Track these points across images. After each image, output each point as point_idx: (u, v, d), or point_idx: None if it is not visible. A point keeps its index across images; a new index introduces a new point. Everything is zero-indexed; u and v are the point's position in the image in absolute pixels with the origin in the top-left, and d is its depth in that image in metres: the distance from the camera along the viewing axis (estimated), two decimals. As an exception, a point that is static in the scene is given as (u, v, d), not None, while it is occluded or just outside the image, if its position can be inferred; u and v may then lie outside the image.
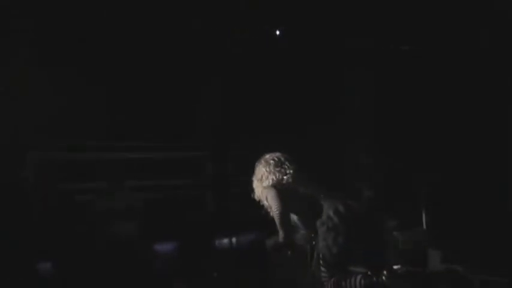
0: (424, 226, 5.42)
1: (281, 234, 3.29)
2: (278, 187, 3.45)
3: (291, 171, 3.51)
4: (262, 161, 3.63)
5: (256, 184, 3.63)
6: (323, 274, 3.23)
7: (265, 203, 3.50)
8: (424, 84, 5.72)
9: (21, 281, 4.70)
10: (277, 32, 6.13)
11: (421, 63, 5.75)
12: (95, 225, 5.20)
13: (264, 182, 3.54)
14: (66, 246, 5.03)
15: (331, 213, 3.30)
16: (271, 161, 3.58)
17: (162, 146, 6.48)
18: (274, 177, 3.50)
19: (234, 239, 5.93)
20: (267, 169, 3.56)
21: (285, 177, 3.49)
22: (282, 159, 3.59)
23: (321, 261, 3.25)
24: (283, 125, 6.17)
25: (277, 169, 3.53)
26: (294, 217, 3.52)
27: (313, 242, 3.46)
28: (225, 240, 5.93)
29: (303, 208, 3.47)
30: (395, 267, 3.49)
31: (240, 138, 6.46)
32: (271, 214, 3.41)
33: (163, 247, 5.67)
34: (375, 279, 2.99)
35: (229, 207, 6.49)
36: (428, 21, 5.39)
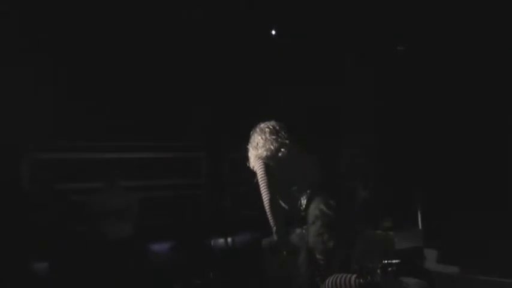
0: (420, 226, 5.43)
1: (272, 224, 3.23)
2: (272, 161, 3.38)
3: (287, 141, 3.47)
4: (257, 129, 3.57)
5: (251, 152, 3.56)
6: (319, 270, 3.18)
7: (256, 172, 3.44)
8: (422, 84, 5.73)
9: (17, 280, 4.70)
10: (273, 32, 6.14)
11: (418, 62, 5.75)
12: (91, 225, 5.20)
13: (259, 149, 3.47)
14: (62, 246, 5.03)
15: (323, 207, 3.26)
16: (267, 129, 3.52)
17: (158, 146, 6.49)
18: (271, 147, 3.42)
19: (229, 239, 5.93)
20: (263, 137, 3.49)
21: (282, 149, 3.42)
22: (277, 127, 3.54)
23: (318, 257, 3.18)
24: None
25: (273, 137, 3.46)
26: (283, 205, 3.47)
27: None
28: (221, 240, 5.93)
29: (293, 193, 3.41)
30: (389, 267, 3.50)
31: (236, 137, 6.45)
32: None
33: (159, 247, 5.67)
34: (369, 278, 2.98)
35: (225, 207, 6.49)
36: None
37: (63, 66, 5.43)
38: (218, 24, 5.84)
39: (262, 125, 3.59)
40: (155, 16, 5.61)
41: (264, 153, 3.41)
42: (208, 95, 6.50)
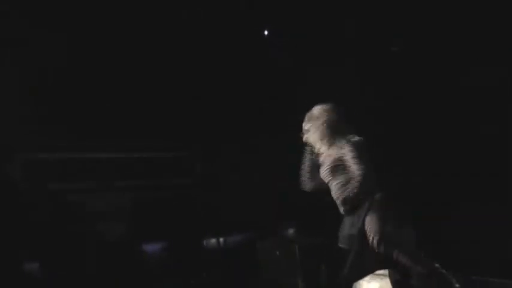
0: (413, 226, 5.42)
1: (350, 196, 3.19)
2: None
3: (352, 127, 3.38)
4: (319, 111, 3.44)
5: (314, 134, 3.39)
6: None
7: (321, 150, 3.35)
8: (419, 85, 5.73)
9: (11, 280, 4.68)
10: (265, 32, 6.14)
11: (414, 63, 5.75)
12: (85, 226, 5.18)
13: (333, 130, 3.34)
14: (55, 246, 5.01)
15: (385, 197, 3.25)
16: (333, 111, 3.40)
17: (152, 146, 6.47)
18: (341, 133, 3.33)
19: (222, 239, 5.91)
20: (334, 117, 3.37)
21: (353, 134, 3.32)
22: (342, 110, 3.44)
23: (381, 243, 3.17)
24: (275, 124, 6.15)
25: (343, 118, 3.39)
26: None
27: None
28: (214, 240, 5.92)
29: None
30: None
31: (230, 137, 6.45)
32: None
33: (153, 247, 5.66)
34: None
35: (219, 207, 6.47)
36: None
37: (55, 65, 5.40)
38: (213, 23, 5.83)
39: (318, 107, 3.44)
40: (152, 16, 5.61)
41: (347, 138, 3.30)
42: (203, 94, 6.49)
